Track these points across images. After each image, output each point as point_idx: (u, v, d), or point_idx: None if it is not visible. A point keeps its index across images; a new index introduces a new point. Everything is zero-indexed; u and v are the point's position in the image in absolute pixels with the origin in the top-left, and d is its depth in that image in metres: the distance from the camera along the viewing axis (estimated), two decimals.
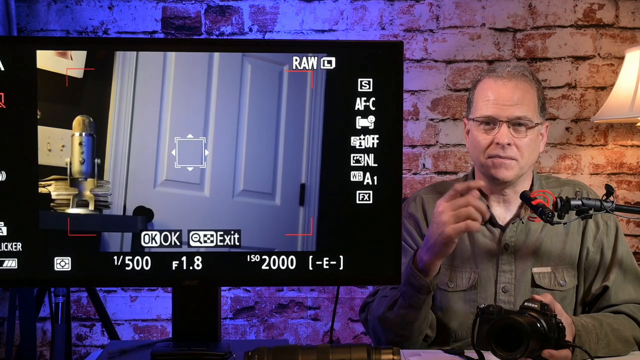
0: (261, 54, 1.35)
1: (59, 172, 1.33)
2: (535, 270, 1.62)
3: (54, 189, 1.33)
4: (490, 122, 1.57)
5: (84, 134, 1.32)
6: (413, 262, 1.50)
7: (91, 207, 1.33)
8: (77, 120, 1.32)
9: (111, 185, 1.33)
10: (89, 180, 1.33)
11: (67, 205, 1.33)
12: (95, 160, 1.33)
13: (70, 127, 1.32)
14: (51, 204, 1.33)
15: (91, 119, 1.32)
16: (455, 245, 1.46)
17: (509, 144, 1.55)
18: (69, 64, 1.32)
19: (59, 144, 1.32)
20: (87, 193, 1.33)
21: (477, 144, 1.60)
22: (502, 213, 1.66)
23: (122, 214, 1.33)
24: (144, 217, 1.34)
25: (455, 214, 1.43)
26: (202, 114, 1.34)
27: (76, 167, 1.33)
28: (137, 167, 1.33)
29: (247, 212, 1.35)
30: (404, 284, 1.50)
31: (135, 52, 1.32)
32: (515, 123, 1.56)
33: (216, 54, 1.34)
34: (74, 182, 1.33)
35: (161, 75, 1.33)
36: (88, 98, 1.33)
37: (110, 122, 1.32)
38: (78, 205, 1.33)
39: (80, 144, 1.32)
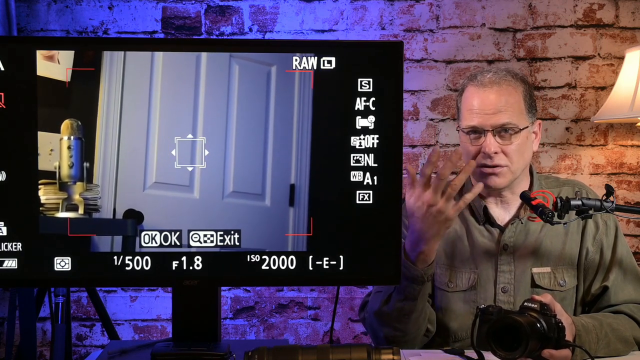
0: (249, 55, 1.35)
1: (48, 176, 1.33)
2: (535, 270, 1.62)
3: (43, 193, 1.33)
4: (476, 132, 1.58)
5: (72, 137, 1.32)
6: (404, 255, 1.49)
7: (80, 211, 1.33)
8: (66, 124, 1.32)
9: (100, 188, 1.33)
10: (78, 184, 1.33)
11: (57, 210, 1.33)
12: (84, 163, 1.32)
13: (58, 131, 1.32)
14: (40, 209, 1.33)
15: (79, 123, 1.32)
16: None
17: (496, 152, 1.55)
18: (56, 67, 1.32)
19: (48, 148, 1.32)
20: (77, 197, 1.33)
21: (466, 153, 1.61)
22: (501, 214, 1.66)
23: (112, 217, 1.33)
24: (133, 220, 1.33)
25: (447, 196, 1.42)
26: (190, 116, 1.34)
27: (65, 171, 1.32)
28: (126, 170, 1.33)
29: (237, 213, 1.35)
30: None
31: (122, 55, 1.32)
32: (501, 130, 1.56)
33: (203, 56, 1.33)
34: (63, 186, 1.33)
35: (149, 77, 1.33)
36: (76, 101, 1.32)
37: (98, 125, 1.32)
38: (67, 209, 1.33)
39: (69, 147, 1.32)
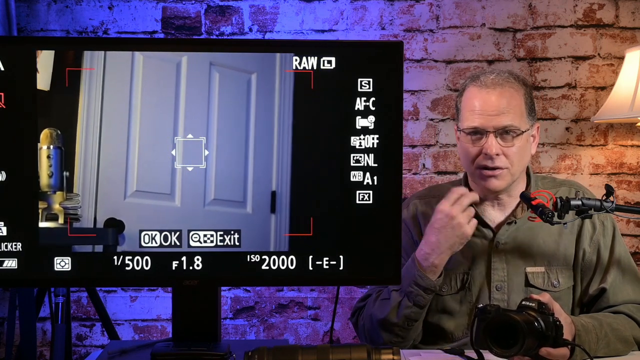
0: (230, 63, 1.34)
1: None
2: (529, 270, 1.62)
3: None
4: (477, 133, 1.57)
5: (51, 146, 1.31)
6: (418, 265, 1.54)
7: (60, 220, 1.32)
8: (45, 133, 1.31)
9: (81, 197, 1.32)
10: (58, 193, 1.32)
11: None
12: (64, 173, 1.32)
13: (37, 140, 1.31)
14: None
15: (59, 132, 1.31)
16: None
17: (497, 154, 1.55)
18: (37, 76, 1.31)
19: None
20: (56, 206, 1.32)
21: (466, 154, 1.61)
22: (497, 215, 1.66)
23: (92, 226, 1.33)
24: (114, 229, 1.33)
25: (466, 214, 1.54)
26: (170, 124, 1.33)
27: (44, 181, 1.32)
28: (106, 178, 1.32)
29: (218, 220, 1.35)
30: (408, 285, 1.55)
31: (102, 65, 1.31)
32: (503, 132, 1.56)
33: (183, 63, 1.33)
34: (43, 196, 1.32)
35: (129, 86, 1.32)
36: (55, 110, 1.32)
37: (78, 134, 1.32)
38: (47, 219, 1.32)
39: (49, 157, 1.31)
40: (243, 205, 1.35)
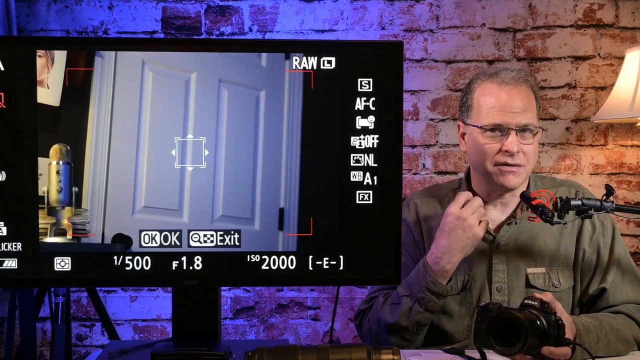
0: (238, 80, 1.34)
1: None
2: (529, 270, 1.62)
3: None
4: (497, 130, 1.57)
5: (61, 162, 1.32)
6: (430, 270, 1.54)
7: (69, 235, 1.33)
8: (54, 149, 1.31)
9: (89, 213, 1.32)
10: (67, 208, 1.32)
11: (45, 234, 1.33)
12: (73, 188, 1.32)
13: (47, 156, 1.31)
14: None
15: (68, 147, 1.32)
16: None
17: (517, 151, 1.56)
18: (45, 92, 1.31)
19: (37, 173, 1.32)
20: (65, 222, 1.32)
21: (482, 151, 1.59)
22: (498, 215, 1.66)
23: (100, 242, 1.33)
24: (122, 244, 1.33)
25: (476, 215, 1.54)
26: (180, 140, 1.33)
27: (53, 196, 1.32)
28: (115, 194, 1.33)
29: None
30: (420, 291, 1.55)
31: (112, 78, 1.31)
32: (522, 130, 1.56)
33: (192, 79, 1.33)
34: (52, 211, 1.32)
35: (138, 102, 1.32)
36: (65, 126, 1.32)
37: (87, 150, 1.32)
38: (56, 234, 1.33)
39: (58, 172, 1.32)
40: (251, 222, 1.35)
